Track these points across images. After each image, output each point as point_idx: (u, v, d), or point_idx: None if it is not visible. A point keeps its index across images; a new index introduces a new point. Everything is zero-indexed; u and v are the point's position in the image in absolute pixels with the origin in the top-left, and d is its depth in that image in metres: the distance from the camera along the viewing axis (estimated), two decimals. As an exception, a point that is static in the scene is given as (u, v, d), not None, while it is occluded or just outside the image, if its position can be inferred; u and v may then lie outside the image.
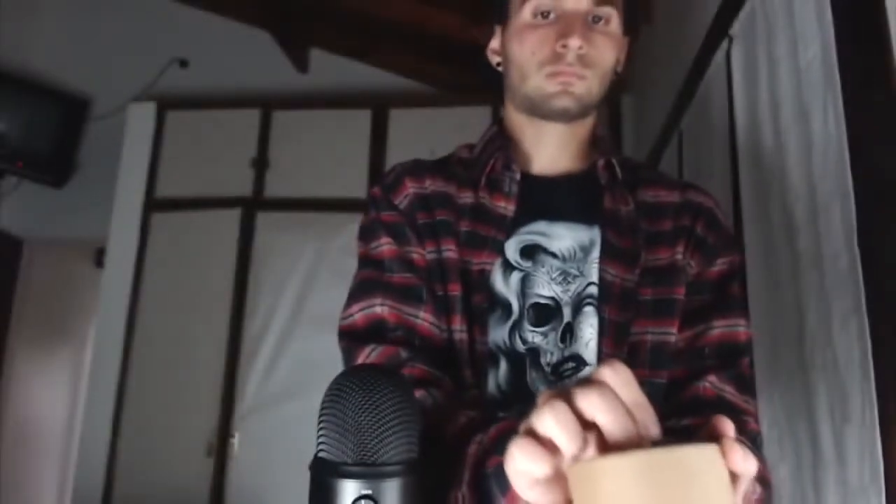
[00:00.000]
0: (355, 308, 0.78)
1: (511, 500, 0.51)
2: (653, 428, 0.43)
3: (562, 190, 0.83)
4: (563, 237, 0.79)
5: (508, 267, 0.79)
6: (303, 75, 3.48)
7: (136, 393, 2.93)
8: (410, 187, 0.83)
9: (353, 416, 0.46)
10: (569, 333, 0.76)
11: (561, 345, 0.76)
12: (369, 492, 0.45)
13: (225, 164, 3.14)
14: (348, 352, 0.77)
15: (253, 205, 3.07)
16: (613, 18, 0.79)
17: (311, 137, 3.13)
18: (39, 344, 3.80)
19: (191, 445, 2.81)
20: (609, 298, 0.76)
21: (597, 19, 0.78)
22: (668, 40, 2.12)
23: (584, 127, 0.86)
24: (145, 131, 3.23)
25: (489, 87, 0.90)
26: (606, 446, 0.41)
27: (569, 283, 0.78)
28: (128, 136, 3.24)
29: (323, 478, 0.46)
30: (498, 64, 0.87)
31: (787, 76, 1.11)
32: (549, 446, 0.43)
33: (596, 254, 0.78)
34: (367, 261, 0.81)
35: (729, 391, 0.72)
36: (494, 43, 0.87)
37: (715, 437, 0.42)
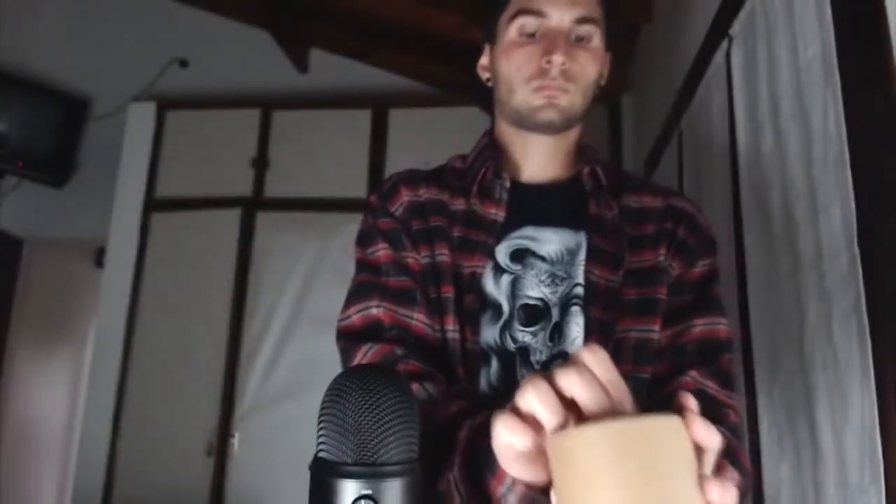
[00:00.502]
0: (353, 310, 0.82)
1: (499, 479, 0.56)
2: (627, 403, 0.47)
3: (549, 197, 0.88)
4: (551, 241, 0.84)
5: (499, 270, 0.83)
6: (303, 75, 3.48)
7: (136, 393, 2.94)
8: (406, 195, 0.87)
9: (353, 416, 0.46)
10: (557, 332, 0.81)
11: (549, 343, 0.80)
12: (369, 492, 0.45)
13: (225, 164, 3.14)
14: (346, 351, 0.81)
15: (253, 205, 3.07)
16: (595, 36, 0.84)
17: (311, 137, 3.13)
18: (39, 344, 3.80)
19: (191, 445, 2.81)
20: (594, 299, 0.81)
21: (579, 37, 0.83)
22: (668, 40, 2.12)
23: (570, 137, 0.90)
24: (145, 131, 3.23)
25: (481, 100, 0.94)
26: (585, 422, 0.44)
27: (557, 284, 0.82)
28: (128, 136, 3.24)
29: (323, 478, 0.46)
30: (488, 80, 0.92)
31: (786, 76, 1.11)
32: (531, 422, 0.47)
33: (582, 257, 0.83)
34: (364, 265, 0.85)
35: (710, 386, 0.76)
36: (484, 60, 0.92)
37: (680, 411, 0.45)
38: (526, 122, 0.86)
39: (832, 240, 0.93)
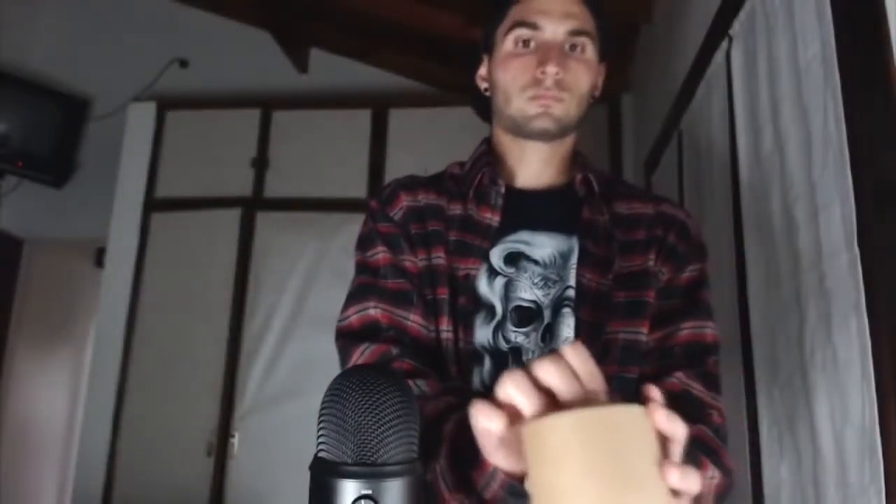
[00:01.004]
0: (352, 310, 0.85)
1: (482, 468, 0.60)
2: (601, 395, 0.50)
3: (543, 202, 0.91)
4: (545, 245, 0.87)
5: (493, 272, 0.86)
6: (303, 75, 3.48)
7: (136, 393, 2.94)
8: (405, 200, 0.90)
9: (353, 416, 0.46)
10: (548, 333, 0.83)
11: (541, 344, 0.83)
12: (369, 492, 0.45)
13: (225, 164, 3.14)
14: (344, 350, 0.83)
15: (253, 205, 3.07)
16: (588, 47, 0.87)
17: (311, 137, 3.13)
18: (39, 344, 3.80)
19: (191, 445, 2.81)
20: (585, 301, 0.83)
21: (573, 47, 0.86)
22: (668, 40, 2.12)
23: (564, 145, 0.92)
24: (145, 131, 3.23)
25: (477, 109, 0.99)
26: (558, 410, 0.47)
27: (549, 287, 0.85)
28: (128, 136, 3.24)
29: (323, 478, 0.46)
30: (486, 89, 0.95)
31: (787, 76, 1.11)
32: (511, 411, 0.50)
33: (574, 260, 0.85)
34: (363, 267, 0.88)
35: (695, 387, 0.79)
36: (482, 70, 0.95)
37: (646, 403, 0.48)
38: (522, 130, 0.89)
39: (832, 240, 0.93)
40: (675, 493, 0.45)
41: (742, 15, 1.34)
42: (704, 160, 1.62)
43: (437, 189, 0.92)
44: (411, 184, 0.93)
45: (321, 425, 0.48)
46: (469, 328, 0.83)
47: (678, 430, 0.48)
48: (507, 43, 0.87)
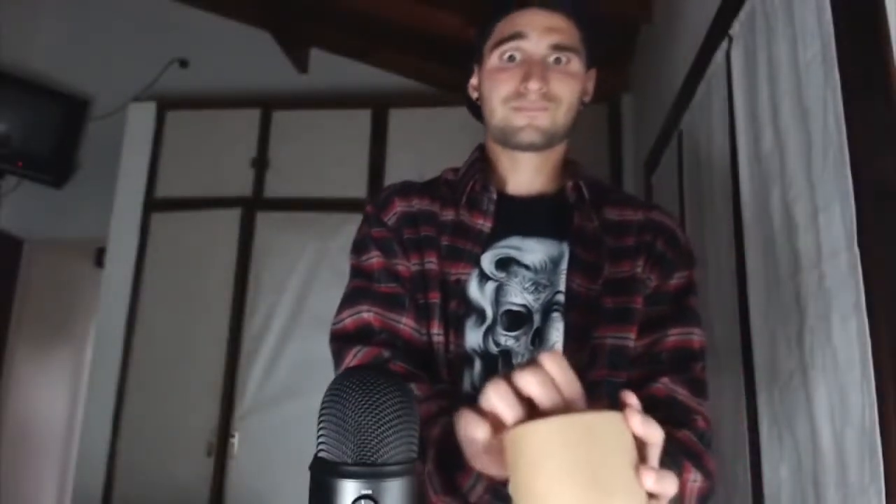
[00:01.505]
0: (345, 314, 0.87)
1: (467, 473, 0.62)
2: (579, 402, 0.52)
3: (534, 209, 0.92)
4: (535, 251, 0.88)
5: (484, 277, 0.87)
6: (303, 75, 3.48)
7: (136, 393, 2.94)
8: (399, 206, 0.92)
9: (353, 416, 0.46)
10: (538, 337, 0.85)
11: (531, 347, 0.85)
12: (369, 492, 0.45)
13: (225, 164, 3.14)
14: (337, 353, 0.85)
15: (253, 205, 3.07)
16: (573, 60, 0.88)
17: (311, 137, 3.13)
18: (39, 344, 3.80)
19: (191, 445, 2.81)
20: (574, 306, 0.85)
21: (557, 60, 0.87)
22: (668, 40, 2.12)
23: (555, 153, 0.94)
24: (145, 131, 3.24)
25: (476, 115, 1.00)
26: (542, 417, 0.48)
27: (539, 292, 0.86)
28: (128, 136, 3.24)
29: (323, 478, 0.46)
30: (477, 99, 0.96)
31: (786, 76, 1.11)
32: (493, 418, 0.52)
33: (564, 266, 0.87)
34: (358, 272, 0.90)
35: (681, 392, 0.80)
36: (473, 80, 0.97)
37: (623, 409, 0.50)
38: (509, 142, 0.90)
39: (832, 240, 0.94)
40: (652, 496, 0.47)
41: (742, 15, 1.34)
42: (704, 160, 1.62)
43: (430, 195, 0.94)
44: (406, 189, 0.95)
45: (321, 425, 0.48)
46: (460, 332, 0.84)
47: (654, 434, 0.49)
48: (493, 58, 0.89)
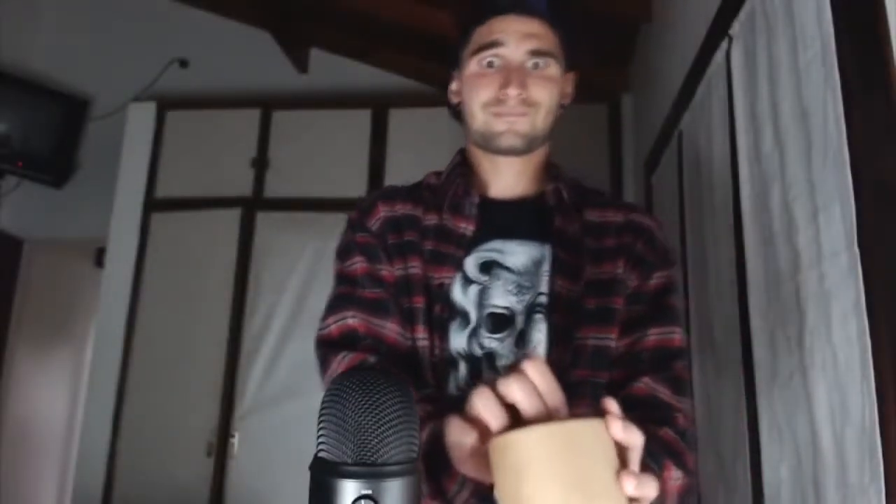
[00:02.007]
0: (331, 320, 0.87)
1: (453, 477, 0.63)
2: (562, 409, 0.54)
3: (516, 212, 0.93)
4: (518, 253, 0.89)
5: (467, 281, 0.88)
6: (303, 75, 3.48)
7: (136, 393, 2.94)
8: (382, 211, 0.93)
9: (353, 416, 0.46)
10: (521, 339, 0.86)
11: (515, 349, 0.86)
12: (369, 492, 0.45)
13: (225, 164, 3.14)
14: (323, 359, 0.85)
15: (253, 205, 3.07)
16: (551, 63, 0.89)
17: (311, 137, 3.13)
18: (39, 344, 3.79)
19: (191, 445, 2.81)
20: (557, 307, 0.86)
21: (536, 65, 0.89)
22: (667, 40, 2.12)
23: (536, 157, 0.95)
24: (145, 131, 3.24)
25: (459, 120, 1.00)
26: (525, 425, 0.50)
27: (523, 294, 0.87)
28: (128, 136, 3.24)
29: (323, 478, 0.46)
30: (458, 104, 0.97)
31: (787, 76, 1.11)
32: (479, 425, 0.54)
33: (546, 268, 0.88)
34: (342, 278, 0.91)
35: (662, 391, 0.81)
36: (454, 86, 0.98)
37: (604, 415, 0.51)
38: (490, 146, 0.91)
39: (832, 239, 0.93)
40: (634, 499, 0.49)
41: (742, 15, 1.34)
42: (704, 160, 1.62)
43: (413, 199, 0.95)
44: (390, 194, 0.96)
45: (321, 425, 0.48)
46: (444, 335, 0.85)
47: (635, 439, 0.51)
48: (473, 64, 0.90)
